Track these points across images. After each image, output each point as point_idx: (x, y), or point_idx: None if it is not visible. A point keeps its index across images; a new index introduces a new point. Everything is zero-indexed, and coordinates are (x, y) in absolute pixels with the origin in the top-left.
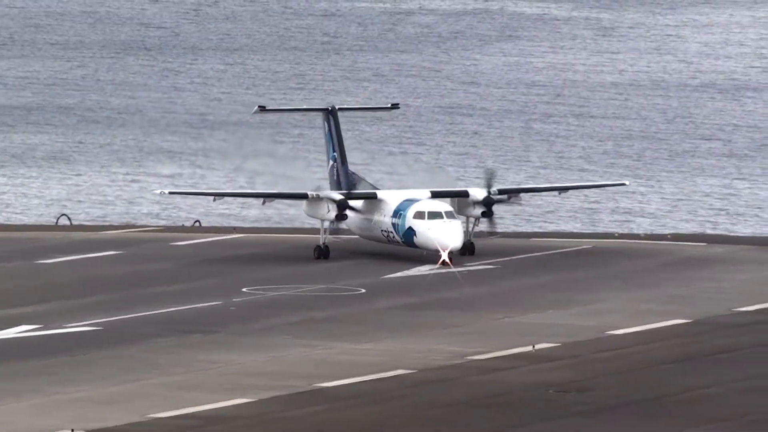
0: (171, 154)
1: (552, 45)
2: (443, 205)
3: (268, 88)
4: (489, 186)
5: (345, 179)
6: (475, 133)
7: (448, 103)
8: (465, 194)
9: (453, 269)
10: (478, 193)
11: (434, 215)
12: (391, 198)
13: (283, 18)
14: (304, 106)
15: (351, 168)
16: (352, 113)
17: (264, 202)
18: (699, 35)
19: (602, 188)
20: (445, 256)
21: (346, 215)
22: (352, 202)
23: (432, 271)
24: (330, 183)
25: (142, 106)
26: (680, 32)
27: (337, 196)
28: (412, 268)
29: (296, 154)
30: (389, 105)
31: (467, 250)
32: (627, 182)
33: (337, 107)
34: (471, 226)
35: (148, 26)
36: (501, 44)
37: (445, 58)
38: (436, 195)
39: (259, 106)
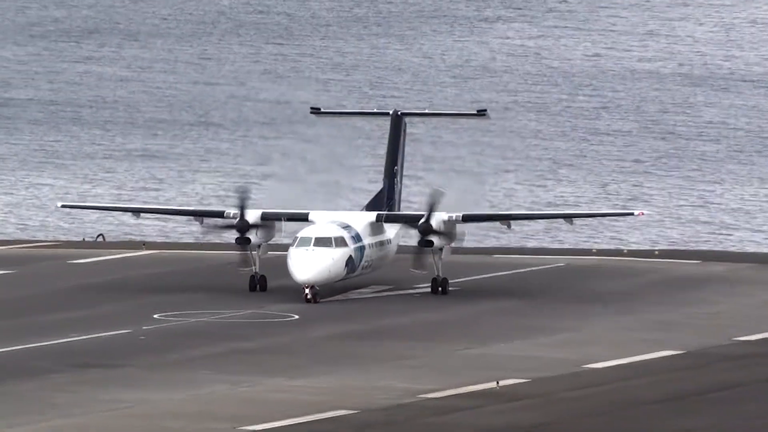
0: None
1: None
2: (326, 232)
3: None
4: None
5: (382, 193)
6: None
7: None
8: (418, 219)
9: (315, 304)
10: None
11: (304, 242)
12: (318, 219)
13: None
14: (365, 110)
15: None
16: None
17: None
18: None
19: (608, 216)
20: (307, 291)
21: (248, 239)
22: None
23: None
24: None
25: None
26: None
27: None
28: (352, 290)
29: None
30: (475, 111)
31: (439, 286)
32: (636, 212)
33: (400, 112)
34: (435, 257)
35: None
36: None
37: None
38: (386, 219)
39: (312, 108)
